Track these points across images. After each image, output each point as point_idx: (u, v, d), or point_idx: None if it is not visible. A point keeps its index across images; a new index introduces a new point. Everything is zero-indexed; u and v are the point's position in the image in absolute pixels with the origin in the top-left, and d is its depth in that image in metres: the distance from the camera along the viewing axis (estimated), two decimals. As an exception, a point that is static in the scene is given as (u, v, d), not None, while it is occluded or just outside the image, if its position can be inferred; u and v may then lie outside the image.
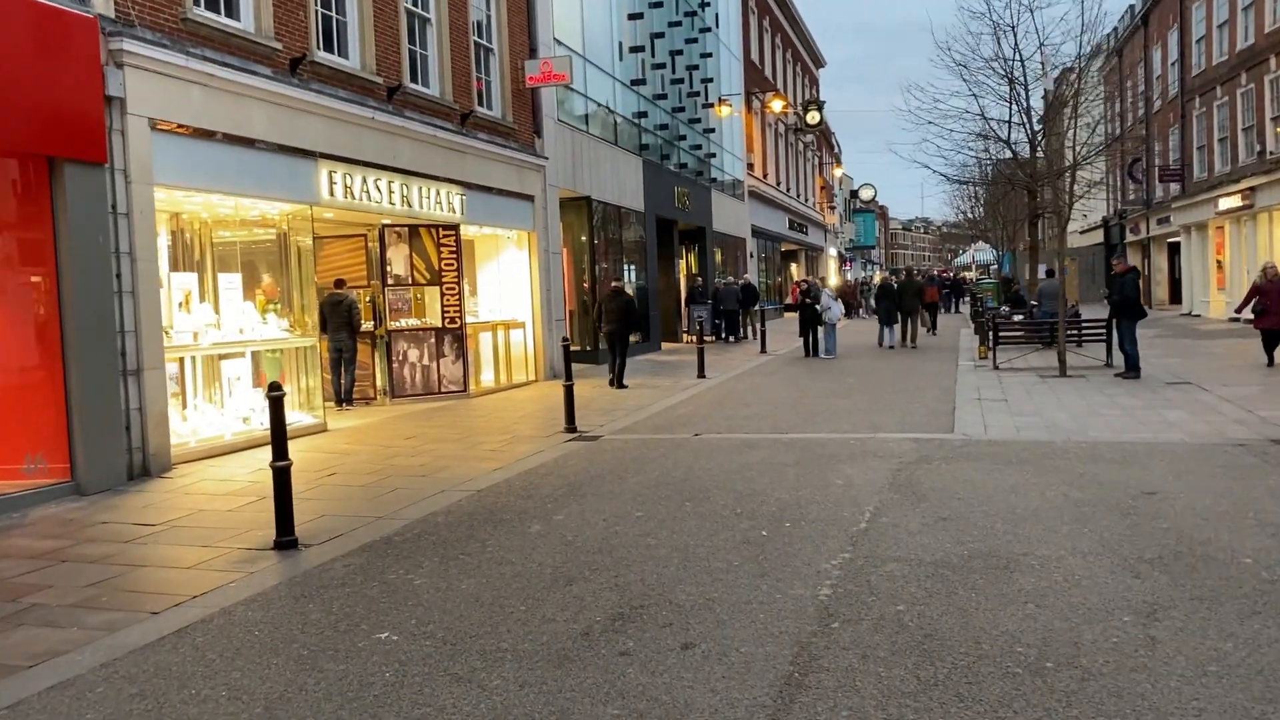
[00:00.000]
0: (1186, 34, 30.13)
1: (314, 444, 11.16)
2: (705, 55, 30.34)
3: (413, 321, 15.02)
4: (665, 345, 26.13)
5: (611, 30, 22.28)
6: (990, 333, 18.46)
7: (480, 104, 16.17)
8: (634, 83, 23.66)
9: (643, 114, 24.08)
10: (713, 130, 31.08)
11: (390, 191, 13.43)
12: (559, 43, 18.54)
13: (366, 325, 14.72)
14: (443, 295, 15.11)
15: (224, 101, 10.39)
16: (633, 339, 22.99)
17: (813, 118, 48.27)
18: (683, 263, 31.40)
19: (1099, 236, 47.35)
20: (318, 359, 12.52)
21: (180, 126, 9.86)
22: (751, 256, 37.91)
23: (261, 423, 11.23)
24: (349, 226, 14.74)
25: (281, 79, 11.35)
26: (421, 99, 14.26)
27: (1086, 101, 20.20)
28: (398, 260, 14.79)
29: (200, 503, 8.30)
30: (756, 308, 27.29)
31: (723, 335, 27.72)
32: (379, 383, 14.95)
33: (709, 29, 30.71)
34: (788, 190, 46.18)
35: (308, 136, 11.83)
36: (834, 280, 50.93)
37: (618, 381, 16.17)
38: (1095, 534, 6.30)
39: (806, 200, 52.60)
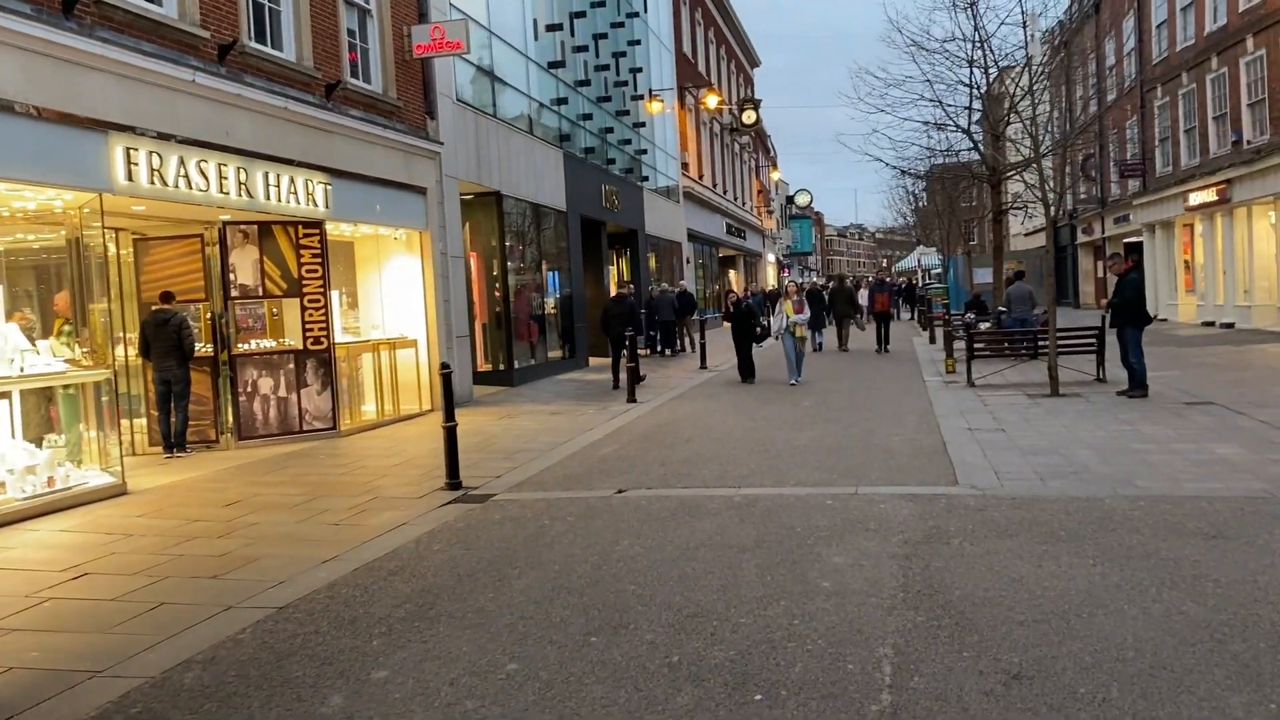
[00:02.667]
0: (1145, 20, 28.23)
1: (95, 516, 8.12)
2: (633, 42, 27.67)
3: (266, 343, 12.01)
4: (595, 360, 23.31)
5: (523, 2, 19.44)
6: (964, 345, 15.97)
7: (355, 76, 13.22)
8: (552, 65, 20.86)
9: (562, 100, 21.27)
10: (643, 124, 28.40)
11: (223, 178, 10.42)
12: (455, 8, 15.65)
13: (204, 349, 11.66)
14: (304, 309, 12.12)
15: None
16: (555, 353, 20.20)
17: (749, 117, 45.79)
18: (614, 269, 28.69)
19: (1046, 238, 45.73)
20: (114, 396, 9.44)
21: None
22: (688, 262, 35.31)
23: (23, 489, 8.18)
24: (182, 225, 11.70)
25: (49, 19, 8.33)
26: (270, 62, 11.28)
27: (1051, 81, 17.91)
28: (244, 266, 11.77)
29: None
30: (694, 317, 24.60)
31: (658, 348, 25.00)
32: (225, 421, 11.88)
33: (636, 14, 28.04)
34: (725, 193, 43.74)
35: (93, 101, 8.82)
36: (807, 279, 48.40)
37: (618, 384, 16.80)
38: (1292, 713, 3.63)
39: (744, 204, 50.27)
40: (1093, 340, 14.89)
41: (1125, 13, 29.64)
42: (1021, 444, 9.79)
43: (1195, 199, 24.71)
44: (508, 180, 17.86)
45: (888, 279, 26.79)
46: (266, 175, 11.10)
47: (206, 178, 10.17)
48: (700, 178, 37.96)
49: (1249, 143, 22.09)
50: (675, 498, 8.02)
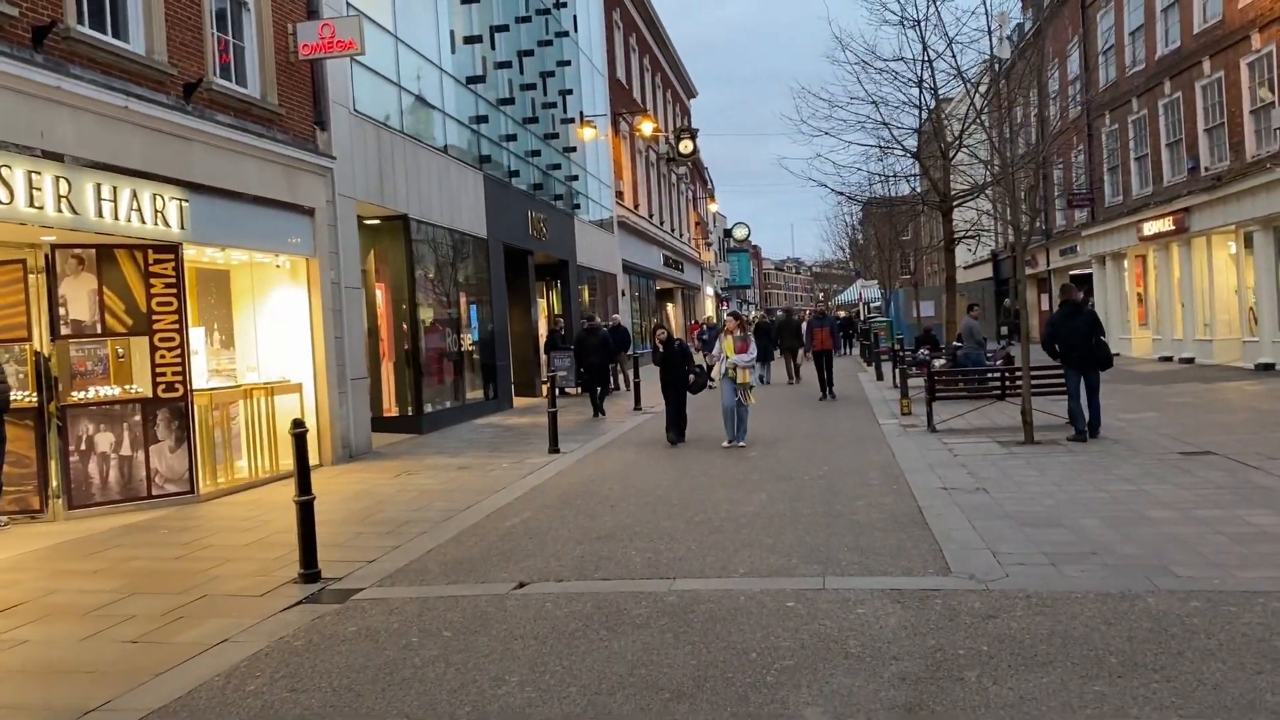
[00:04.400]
0: (1091, 46, 27.38)
1: None
2: (563, 63, 26.05)
3: (107, 391, 9.93)
4: (520, 402, 21.42)
5: (436, 8, 17.66)
6: (920, 384, 14.44)
7: (226, 76, 11.30)
8: (471, 80, 19.09)
9: (482, 119, 19.48)
10: (574, 149, 26.72)
11: (36, 189, 8.41)
12: (351, 6, 13.81)
13: (27, 398, 9.56)
14: (155, 350, 10.09)
15: None
16: (474, 395, 18.31)
17: (685, 146, 44.57)
18: (544, 302, 26.86)
19: (987, 271, 44.95)
20: None
21: None
22: (624, 295, 33.61)
23: None
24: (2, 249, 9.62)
25: None
26: (106, 52, 9.31)
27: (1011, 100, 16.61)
28: (78, 298, 9.72)
29: None
30: (629, 353, 22.81)
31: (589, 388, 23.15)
32: (53, 485, 9.76)
33: (565, 33, 26.44)
34: (661, 224, 42.24)
35: None
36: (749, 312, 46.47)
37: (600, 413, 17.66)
38: None
39: (682, 235, 48.85)
40: (1064, 380, 13.40)
41: (1070, 39, 28.83)
42: (1012, 509, 8.14)
43: (1150, 229, 23.69)
44: (417, 203, 15.98)
45: (828, 311, 24.58)
46: (99, 188, 9.10)
47: (11, 188, 8.15)
48: (636, 207, 36.40)
49: (1207, 169, 21.09)
50: (590, 597, 6.17)
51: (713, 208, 63.80)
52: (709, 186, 65.61)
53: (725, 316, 15.80)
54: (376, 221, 15.76)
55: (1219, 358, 21.15)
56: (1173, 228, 22.37)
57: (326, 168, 12.90)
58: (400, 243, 15.67)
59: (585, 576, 6.70)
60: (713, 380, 14.55)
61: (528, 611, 5.92)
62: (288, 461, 11.89)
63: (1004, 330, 33.90)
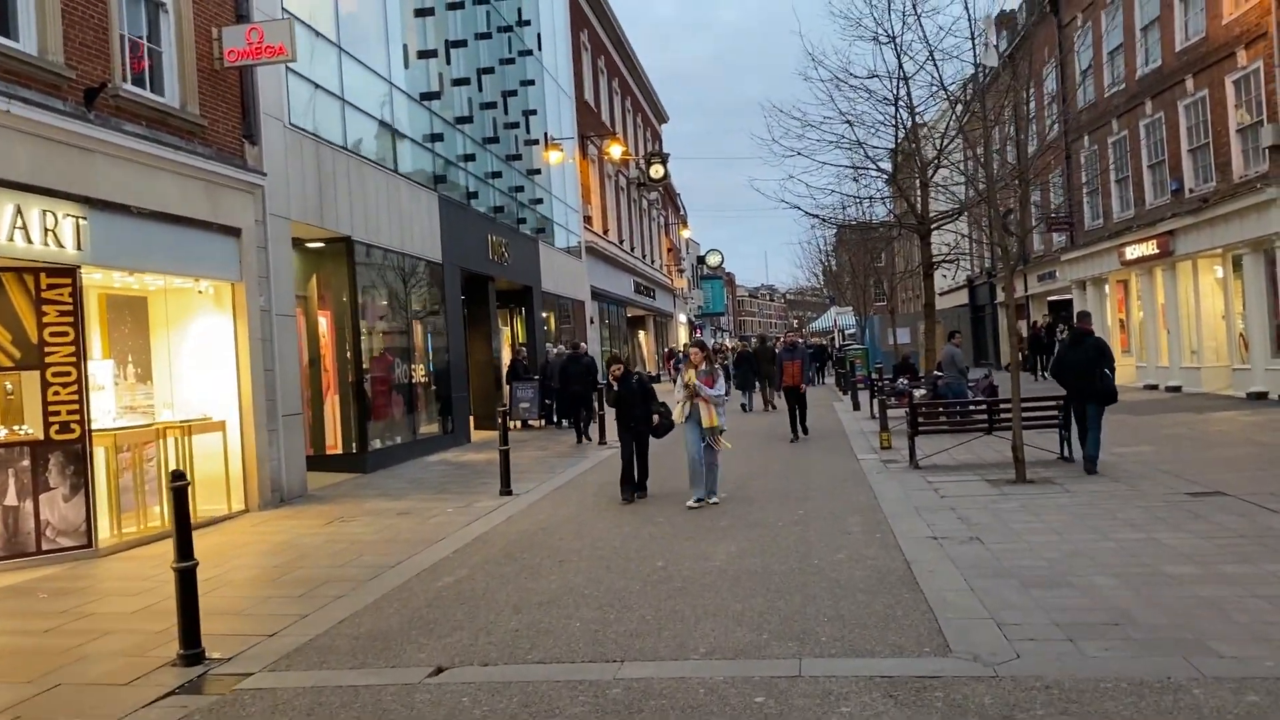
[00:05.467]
0: (1069, 67, 26.79)
1: None
2: (526, 82, 25.12)
3: (-10, 432, 8.79)
4: (481, 435, 20.26)
5: (386, 20, 16.68)
6: (902, 415, 13.49)
7: (139, 84, 10.23)
8: (426, 97, 18.10)
9: (438, 137, 18.47)
10: (538, 172, 25.75)
11: (-108, 201, 7.30)
12: (286, 11, 12.79)
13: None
14: (47, 386, 8.96)
15: None
16: (428, 429, 17.21)
17: (656, 171, 43.85)
18: (508, 330, 25.81)
19: (964, 297, 44.34)
20: None
21: None
22: (593, 322, 32.60)
23: None
24: None
25: None
26: (-12, 50, 8.25)
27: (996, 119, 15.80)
28: (-45, 328, 8.59)
29: None
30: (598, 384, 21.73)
31: (554, 419, 22.10)
32: (-75, 540, 8.58)
33: (529, 52, 25.54)
34: (632, 250, 41.33)
35: None
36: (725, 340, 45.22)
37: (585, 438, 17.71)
38: None
39: (653, 262, 47.95)
40: (1056, 413, 12.50)
41: (1046, 60, 28.25)
42: (1012, 564, 7.14)
43: (1132, 253, 22.97)
44: (363, 224, 14.92)
45: (799, 340, 22.65)
46: (-25, 202, 8.00)
47: None
48: (605, 233, 35.48)
49: (1191, 191, 20.39)
50: (519, 688, 5.10)
51: (685, 234, 63.03)
52: (681, 213, 64.89)
53: (687, 346, 14.25)
54: (320, 245, 14.70)
55: (1207, 386, 20.36)
56: (1156, 251, 21.65)
57: (256, 185, 11.83)
58: (343, 267, 14.58)
59: (516, 658, 5.62)
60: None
61: (438, 711, 4.84)
62: (211, 506, 10.82)
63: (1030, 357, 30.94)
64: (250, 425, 11.46)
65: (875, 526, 8.95)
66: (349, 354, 14.75)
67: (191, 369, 11.40)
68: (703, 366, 10.78)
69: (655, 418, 11.15)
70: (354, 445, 14.66)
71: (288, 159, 12.74)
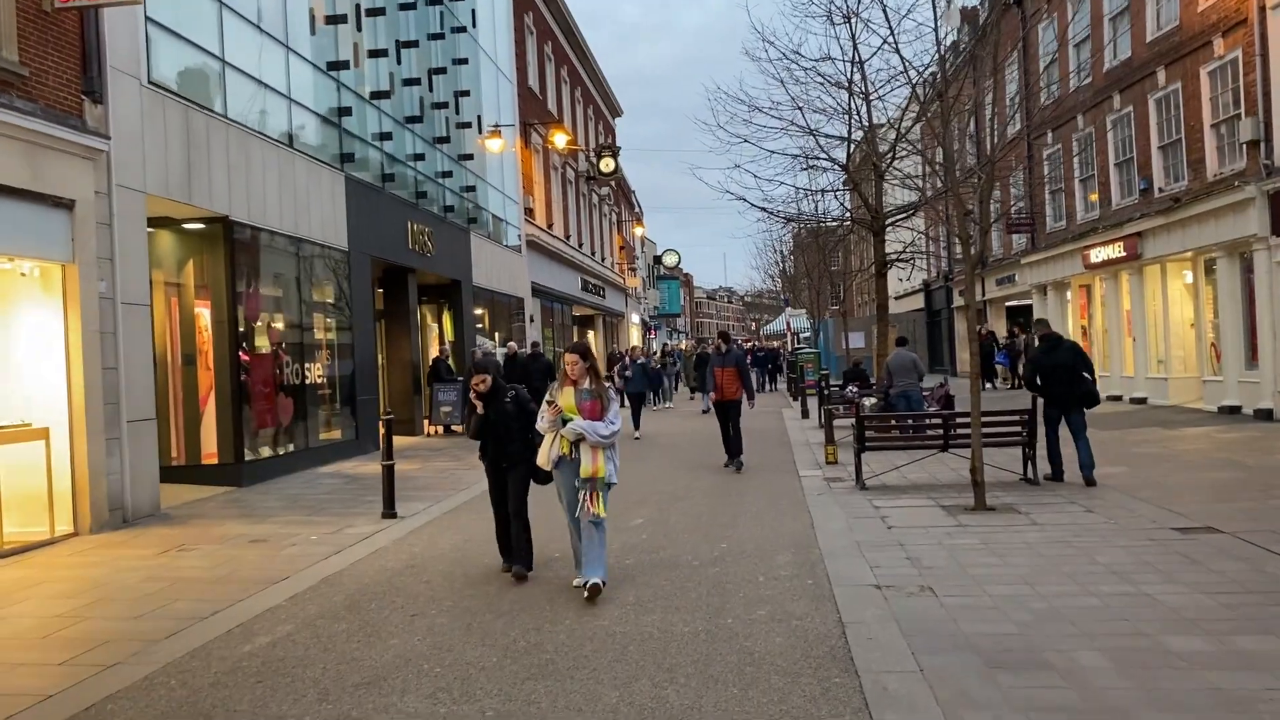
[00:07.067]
0: (1032, 60, 25.54)
1: None
2: (459, 61, 23.39)
3: None
4: (401, 441, 18.48)
5: (283, -24, 14.90)
6: (852, 432, 12.00)
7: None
8: (333, 66, 16.33)
9: (345, 111, 16.70)
10: (470, 157, 24.00)
11: None
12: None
13: None
14: None
15: None
16: (330, 435, 15.49)
17: (607, 165, 42.07)
18: (437, 327, 24.06)
19: (919, 301, 43.19)
20: None
21: None
22: (532, 321, 30.87)
23: None
24: None
25: None
26: None
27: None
28: None
29: None
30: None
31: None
32: None
33: (463, 29, 23.80)
34: (580, 245, 39.64)
35: None
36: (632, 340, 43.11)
37: None
38: None
39: (604, 259, 46.30)
40: (1020, 428, 11.07)
41: (1007, 55, 27.01)
42: (973, 630, 5.63)
43: (1097, 255, 21.72)
44: (244, 203, 13.14)
45: (735, 342, 15.38)
46: None
47: None
48: (550, 226, 33.76)
49: (1161, 190, 19.16)
50: None
51: (639, 231, 61.37)
52: (636, 210, 63.28)
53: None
54: (199, 226, 12.93)
55: (1175, 398, 19.14)
56: (1123, 254, 20.39)
57: (97, 150, 10.04)
58: (219, 250, 12.81)
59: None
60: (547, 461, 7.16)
61: None
62: (31, 527, 9.07)
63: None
64: (82, 432, 9.68)
65: (808, 569, 7.41)
66: (227, 351, 12.95)
67: (8, 365, 9.59)
68: (585, 385, 6.95)
69: (528, 439, 7.44)
70: (229, 456, 12.87)
71: (145, 123, 10.96)
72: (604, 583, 6.77)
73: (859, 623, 5.90)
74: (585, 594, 6.67)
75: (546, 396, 7.11)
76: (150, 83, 11.16)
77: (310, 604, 6.91)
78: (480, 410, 7.45)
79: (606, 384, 7.15)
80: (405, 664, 5.48)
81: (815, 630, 5.81)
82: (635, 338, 57.09)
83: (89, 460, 9.70)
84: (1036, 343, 11.75)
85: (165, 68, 11.66)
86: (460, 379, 20.28)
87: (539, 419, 7.15)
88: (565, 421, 6.91)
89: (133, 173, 10.67)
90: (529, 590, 7.11)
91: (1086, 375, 10.82)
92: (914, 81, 13.88)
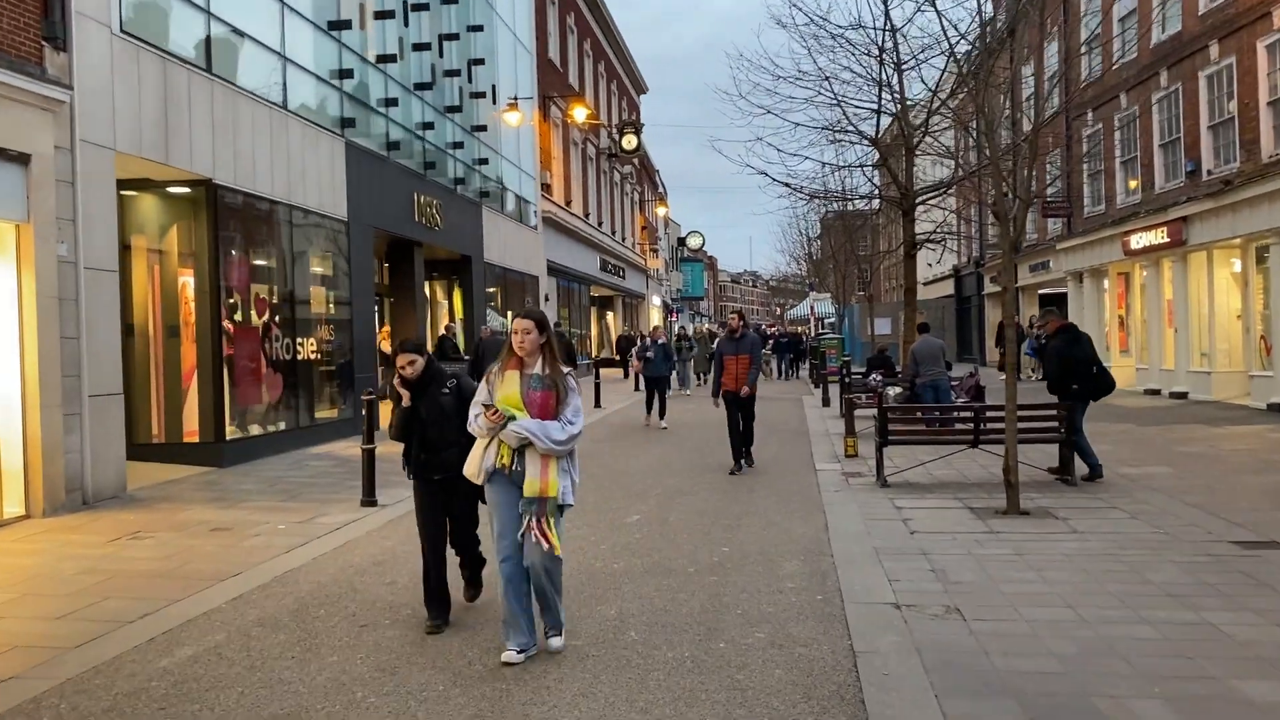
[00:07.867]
0: (1073, 37, 24.30)
1: None
2: (474, 27, 22.50)
3: None
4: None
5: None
6: (875, 425, 11.10)
7: None
8: (334, 26, 15.50)
9: (347, 73, 15.87)
10: (483, 128, 23.15)
11: None
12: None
13: None
14: None
15: None
16: (324, 414, 14.76)
17: (629, 142, 41.05)
18: (447, 304, 23.32)
19: (949, 287, 42.05)
20: None
21: None
22: (547, 299, 30.05)
23: None
24: None
25: None
26: None
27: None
28: None
29: None
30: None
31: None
32: None
33: (479, -7, 22.90)
34: (600, 224, 38.74)
35: None
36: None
37: None
38: None
39: (625, 240, 45.37)
40: (1057, 423, 10.14)
41: (1049, 31, 25.80)
42: (1007, 665, 4.75)
43: (1138, 241, 20.60)
44: (230, 165, 12.35)
45: (746, 327, 12.24)
46: None
47: None
48: (568, 204, 32.89)
49: (1210, 172, 18.03)
50: None
51: (661, 211, 60.29)
52: (660, 190, 62.23)
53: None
54: (184, 189, 12.17)
55: (1218, 393, 18.05)
56: (1166, 240, 19.28)
57: (57, 100, 9.26)
58: (203, 216, 12.03)
59: None
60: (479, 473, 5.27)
61: None
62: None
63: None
64: (35, 406, 8.95)
65: (819, 580, 6.55)
66: (209, 322, 12.20)
67: (-45, 333, 8.87)
68: (536, 369, 5.08)
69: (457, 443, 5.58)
70: (212, 433, 12.14)
71: (116, 75, 10.17)
72: (563, 636, 5.18)
73: (873, 652, 5.04)
74: (516, 658, 4.96)
75: (483, 381, 5.18)
76: (123, 31, 10.36)
77: (253, 608, 6.12)
78: (406, 402, 5.54)
79: (567, 371, 5.15)
80: (337, 690, 4.67)
81: (821, 661, 4.96)
82: (656, 320, 56.17)
83: (43, 436, 8.97)
84: (1043, 333, 11.02)
85: (141, 17, 10.86)
86: (467, 358, 19.51)
87: (470, 417, 5.13)
88: (509, 420, 4.95)
89: (100, 128, 9.89)
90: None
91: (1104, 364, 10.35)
92: (953, 43, 12.86)
